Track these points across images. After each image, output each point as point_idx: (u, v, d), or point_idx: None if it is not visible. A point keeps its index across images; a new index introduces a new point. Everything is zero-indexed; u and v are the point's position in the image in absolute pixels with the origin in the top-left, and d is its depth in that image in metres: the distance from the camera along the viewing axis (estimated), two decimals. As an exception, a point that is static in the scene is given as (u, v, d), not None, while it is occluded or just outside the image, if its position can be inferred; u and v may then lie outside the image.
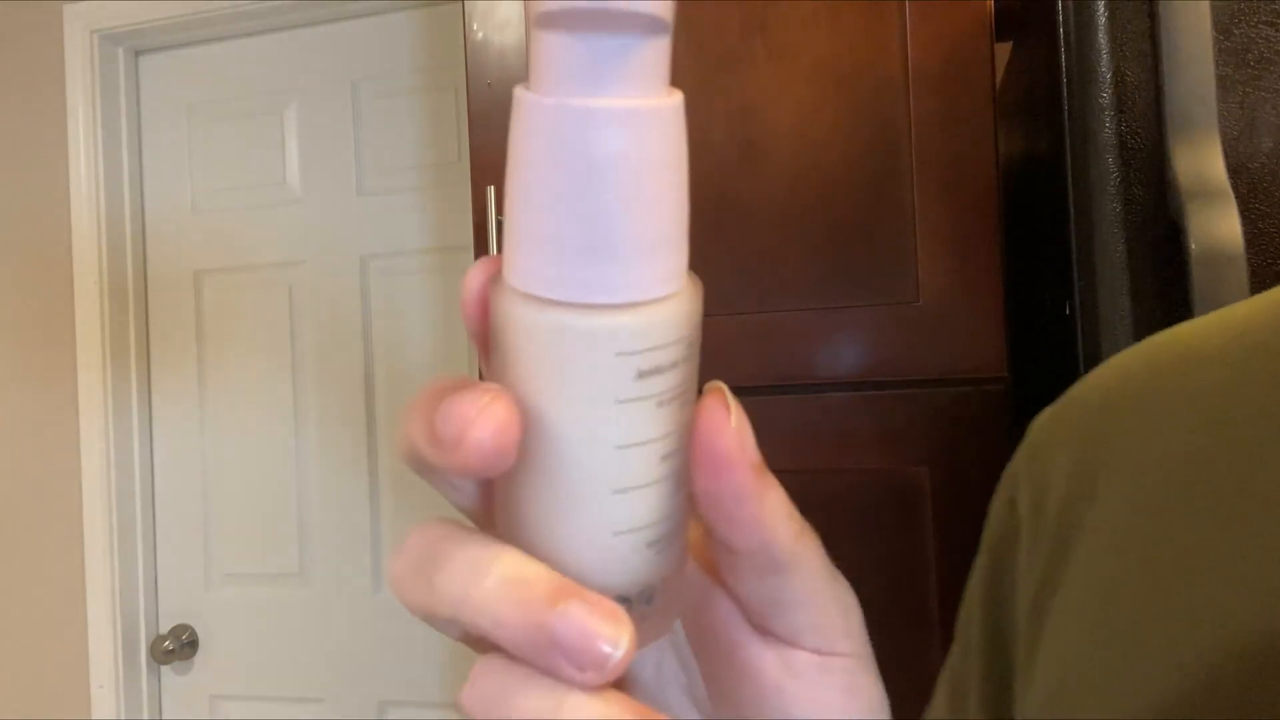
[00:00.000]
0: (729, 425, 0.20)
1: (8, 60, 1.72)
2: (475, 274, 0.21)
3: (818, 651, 0.23)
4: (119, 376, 1.66)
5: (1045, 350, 0.93)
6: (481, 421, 0.18)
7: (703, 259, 1.00)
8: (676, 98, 0.19)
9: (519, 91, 0.18)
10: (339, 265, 1.61)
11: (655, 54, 0.18)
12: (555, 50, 0.18)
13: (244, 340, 1.66)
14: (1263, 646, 0.24)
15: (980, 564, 0.37)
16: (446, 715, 1.55)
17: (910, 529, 0.93)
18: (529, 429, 0.19)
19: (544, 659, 0.18)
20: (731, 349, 0.98)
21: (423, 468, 0.20)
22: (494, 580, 0.19)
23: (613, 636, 0.18)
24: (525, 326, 0.19)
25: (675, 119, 0.19)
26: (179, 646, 1.65)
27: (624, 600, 0.20)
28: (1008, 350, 0.91)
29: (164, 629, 1.68)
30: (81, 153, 1.66)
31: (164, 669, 1.69)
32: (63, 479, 1.66)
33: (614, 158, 0.18)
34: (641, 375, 0.19)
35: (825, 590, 0.23)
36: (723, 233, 0.98)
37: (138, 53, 1.73)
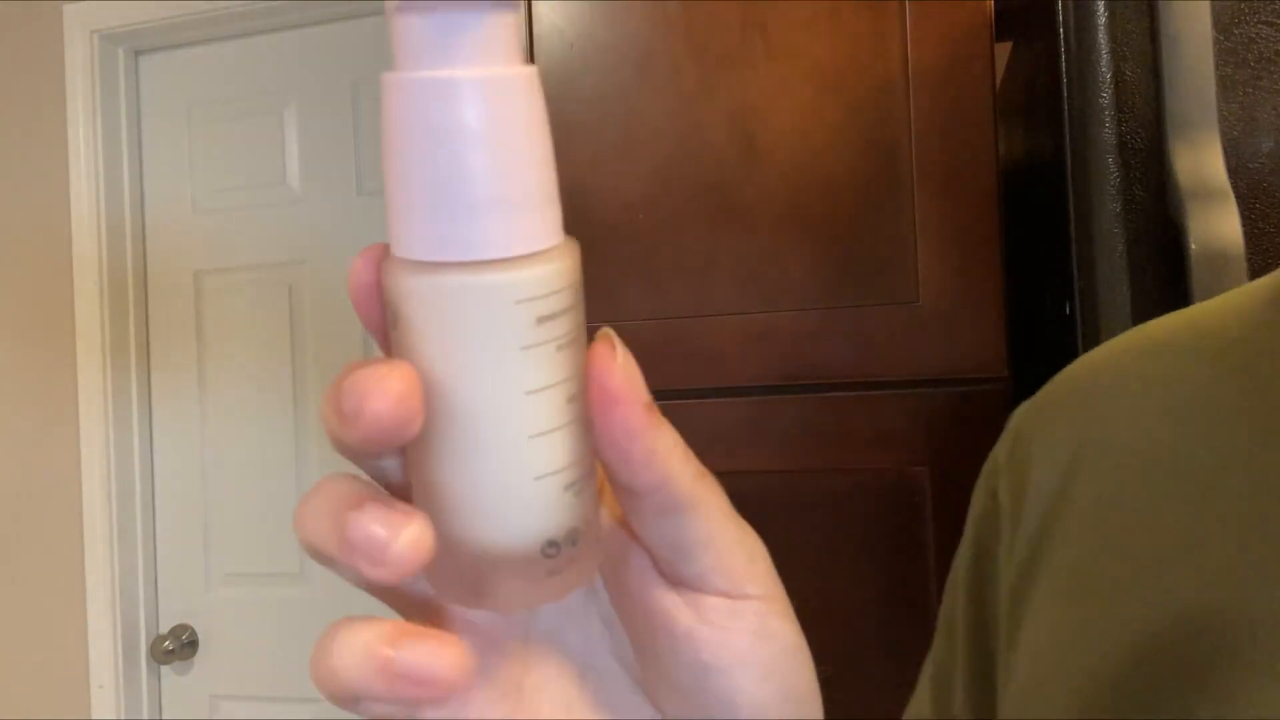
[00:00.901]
0: (615, 363, 0.21)
1: (8, 60, 1.72)
2: (363, 264, 0.22)
3: (726, 595, 0.23)
4: (119, 376, 1.66)
5: (1045, 350, 0.93)
6: (379, 392, 0.19)
7: (703, 259, 1.00)
8: (531, 68, 0.21)
9: (384, 76, 0.20)
10: (339, 265, 1.61)
11: (505, 28, 0.20)
12: (414, 31, 0.19)
13: (244, 340, 1.66)
14: (1205, 618, 0.25)
15: (963, 554, 0.38)
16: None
17: (910, 529, 0.93)
18: (440, 394, 0.20)
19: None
20: (731, 349, 0.98)
21: (339, 447, 0.21)
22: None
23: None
24: (424, 292, 0.20)
25: (531, 86, 0.21)
26: (179, 646, 1.65)
27: (553, 544, 0.22)
28: (1008, 350, 0.91)
29: (164, 629, 1.68)
30: (81, 152, 1.65)
31: (164, 669, 1.69)
32: (63, 479, 1.66)
33: (483, 120, 0.20)
34: (540, 321, 0.21)
35: (728, 533, 0.23)
36: (723, 233, 0.98)
37: (138, 53, 1.73)
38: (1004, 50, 1.11)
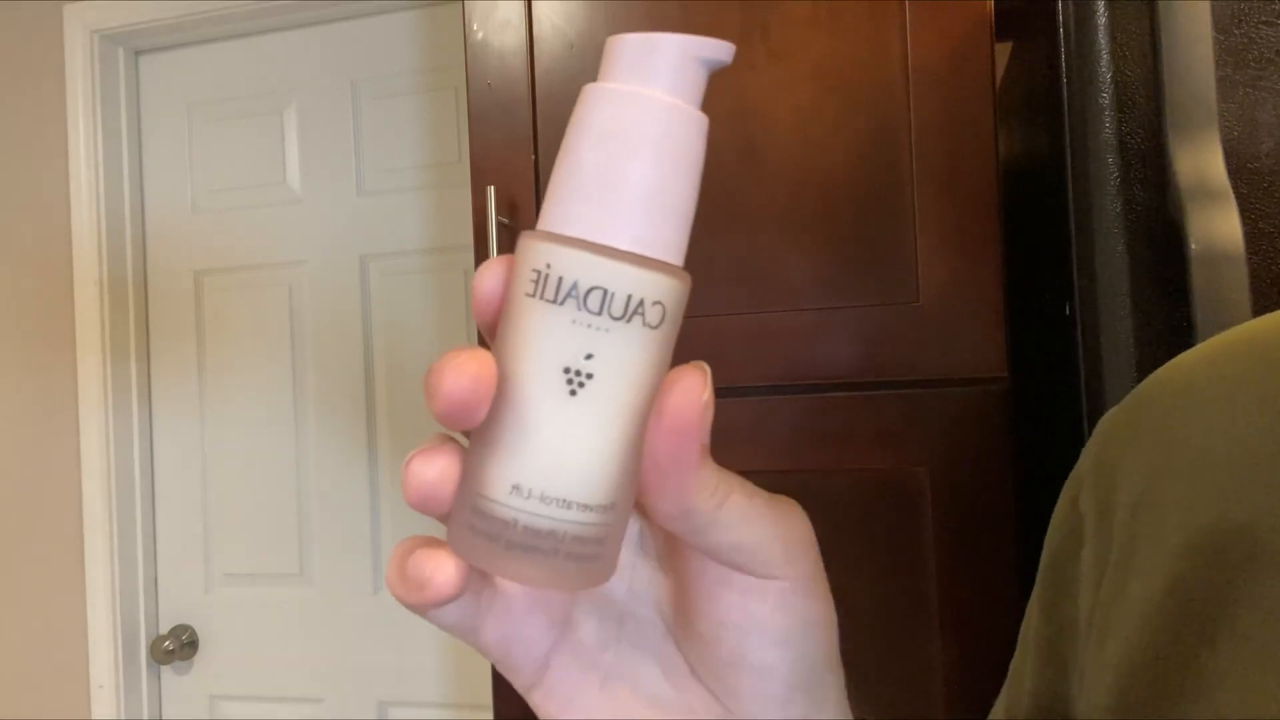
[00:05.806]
0: (702, 396, 0.22)
1: (8, 60, 1.72)
2: (490, 274, 0.24)
3: (754, 575, 0.24)
4: (119, 376, 1.66)
5: (1045, 350, 0.93)
6: (454, 374, 0.22)
7: (703, 259, 1.00)
8: (706, 118, 0.25)
9: (592, 85, 0.24)
10: (339, 265, 1.61)
11: (701, 76, 0.25)
12: (626, 56, 0.24)
13: (244, 340, 1.66)
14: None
15: (1041, 565, 0.38)
16: (446, 715, 1.55)
17: (910, 529, 0.93)
18: (533, 343, 0.23)
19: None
20: (731, 349, 0.98)
21: (435, 419, 0.24)
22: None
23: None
24: (563, 261, 0.23)
25: (704, 131, 0.24)
26: (179, 646, 1.65)
27: (586, 508, 0.23)
28: (1008, 350, 0.91)
29: (164, 629, 1.68)
30: (81, 153, 1.65)
31: (164, 669, 1.69)
32: (63, 479, 1.66)
33: (661, 135, 0.23)
34: (644, 321, 0.23)
35: (755, 534, 0.24)
36: (723, 233, 0.98)
37: (138, 53, 1.73)
38: (1004, 50, 1.11)
